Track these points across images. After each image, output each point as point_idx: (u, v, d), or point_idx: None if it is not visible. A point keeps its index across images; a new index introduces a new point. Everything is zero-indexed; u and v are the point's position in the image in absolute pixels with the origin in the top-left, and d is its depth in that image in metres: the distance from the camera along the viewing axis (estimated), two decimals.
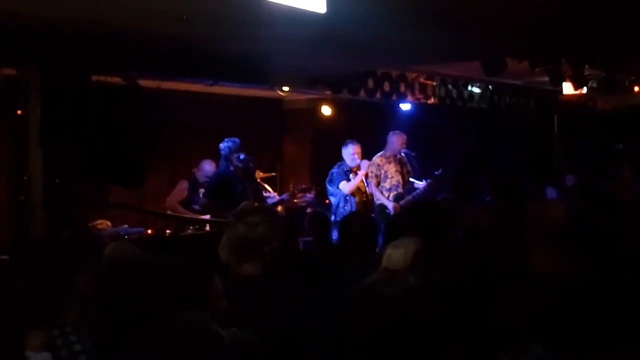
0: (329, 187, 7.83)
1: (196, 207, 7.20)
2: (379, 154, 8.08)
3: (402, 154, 8.11)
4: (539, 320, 2.08)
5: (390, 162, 8.04)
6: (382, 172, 7.96)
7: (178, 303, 2.38)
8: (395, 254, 2.95)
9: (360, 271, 3.27)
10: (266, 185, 7.77)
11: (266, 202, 7.26)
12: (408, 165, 8.14)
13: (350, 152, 7.74)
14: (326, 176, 7.91)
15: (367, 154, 7.96)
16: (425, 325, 1.84)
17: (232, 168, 6.87)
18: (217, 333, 1.93)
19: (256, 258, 3.06)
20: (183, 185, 7.41)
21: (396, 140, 8.05)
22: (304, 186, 8.18)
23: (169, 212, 7.22)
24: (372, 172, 7.87)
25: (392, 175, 8.00)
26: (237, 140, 6.92)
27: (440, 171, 7.85)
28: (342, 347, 1.90)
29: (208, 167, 7.45)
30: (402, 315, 1.83)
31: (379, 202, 7.87)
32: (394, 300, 1.85)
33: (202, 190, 7.32)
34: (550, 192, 8.57)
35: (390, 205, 7.78)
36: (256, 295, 2.89)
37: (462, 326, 2.14)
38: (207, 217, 6.89)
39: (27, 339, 2.40)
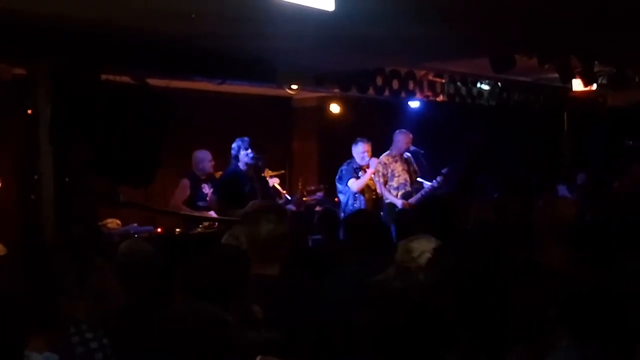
0: (338, 185, 7.84)
1: (201, 204, 7.17)
2: (385, 153, 8.08)
3: (409, 153, 8.11)
4: (564, 315, 2.08)
5: (396, 161, 8.05)
6: (389, 170, 7.96)
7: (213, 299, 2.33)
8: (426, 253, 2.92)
9: (368, 268, 3.28)
10: (277, 186, 7.75)
11: (275, 201, 7.27)
12: (414, 164, 8.14)
13: (360, 150, 7.74)
14: (335, 174, 7.91)
15: (376, 152, 7.95)
16: (438, 319, 1.85)
17: (242, 167, 6.90)
18: (227, 323, 1.93)
19: (277, 257, 3.05)
20: (184, 184, 7.34)
21: (402, 139, 8.06)
22: (312, 188, 8.19)
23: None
24: (379, 171, 7.87)
25: (399, 174, 8.01)
26: (246, 139, 6.93)
27: (446, 169, 7.85)
28: (355, 341, 1.91)
29: (201, 154, 7.34)
30: (417, 310, 1.84)
31: (388, 200, 7.87)
32: (407, 296, 1.86)
33: (204, 186, 7.27)
34: (561, 190, 8.53)
35: (399, 203, 7.78)
36: (278, 295, 2.88)
37: (474, 320, 2.14)
38: (212, 213, 6.90)
39: (29, 340, 2.37)
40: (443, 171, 7.85)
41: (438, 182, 7.78)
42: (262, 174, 7.37)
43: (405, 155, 8.10)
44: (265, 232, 3.05)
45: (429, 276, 1.94)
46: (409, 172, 8.08)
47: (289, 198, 7.68)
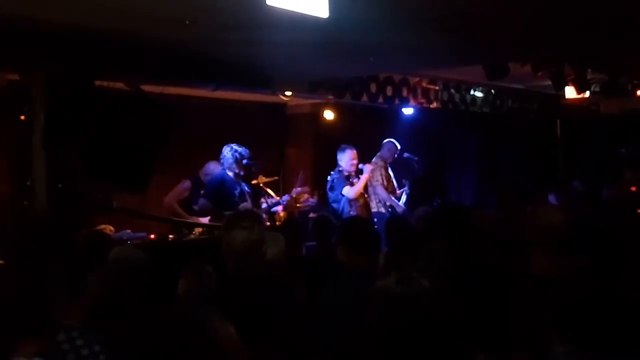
0: (330, 194, 7.79)
1: (196, 207, 7.14)
2: (377, 156, 8.17)
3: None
4: (561, 321, 2.09)
5: (386, 168, 8.18)
6: (385, 173, 8.12)
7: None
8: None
9: (364, 274, 3.28)
10: (269, 190, 7.74)
11: (260, 207, 7.26)
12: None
13: (351, 157, 7.71)
14: None
15: (369, 159, 7.97)
16: (441, 324, 1.86)
17: (230, 173, 6.86)
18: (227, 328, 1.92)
19: (252, 264, 3.05)
20: (185, 185, 7.30)
21: (392, 148, 8.20)
22: (299, 187, 8.16)
23: (166, 211, 7.15)
24: (381, 174, 7.98)
25: (388, 182, 8.14)
26: (239, 146, 6.91)
27: (407, 182, 8.04)
28: (359, 348, 1.91)
29: (212, 166, 7.36)
30: (420, 315, 1.85)
31: (389, 203, 7.96)
32: (410, 302, 1.87)
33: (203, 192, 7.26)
34: (551, 198, 8.56)
35: (400, 209, 7.86)
36: (265, 300, 2.88)
37: (473, 326, 2.15)
38: (206, 220, 6.87)
39: (19, 346, 2.35)
40: (404, 182, 8.06)
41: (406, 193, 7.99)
42: (254, 181, 7.34)
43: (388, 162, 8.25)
44: (245, 236, 3.07)
45: (431, 282, 1.95)
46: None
47: (283, 199, 7.66)
